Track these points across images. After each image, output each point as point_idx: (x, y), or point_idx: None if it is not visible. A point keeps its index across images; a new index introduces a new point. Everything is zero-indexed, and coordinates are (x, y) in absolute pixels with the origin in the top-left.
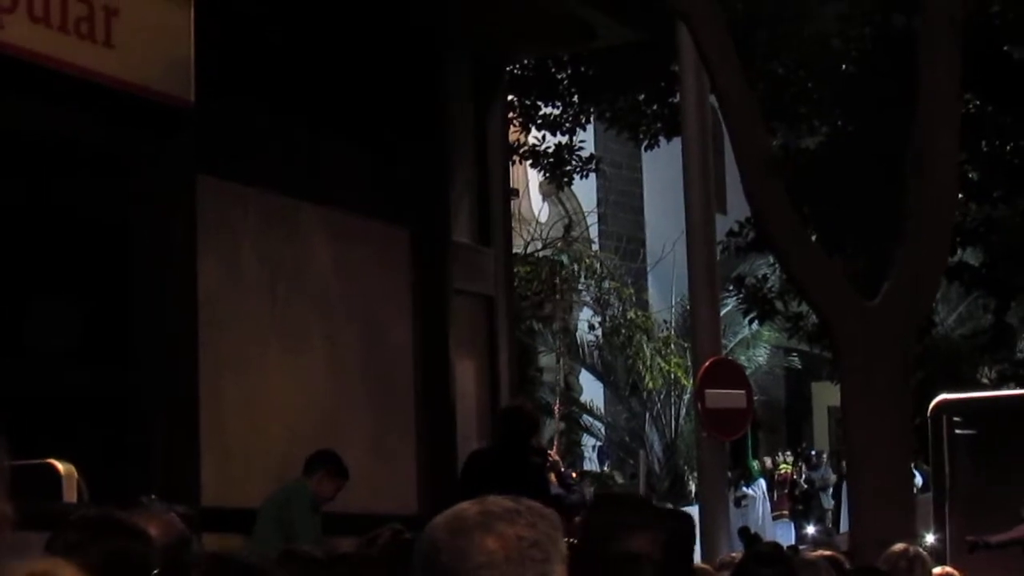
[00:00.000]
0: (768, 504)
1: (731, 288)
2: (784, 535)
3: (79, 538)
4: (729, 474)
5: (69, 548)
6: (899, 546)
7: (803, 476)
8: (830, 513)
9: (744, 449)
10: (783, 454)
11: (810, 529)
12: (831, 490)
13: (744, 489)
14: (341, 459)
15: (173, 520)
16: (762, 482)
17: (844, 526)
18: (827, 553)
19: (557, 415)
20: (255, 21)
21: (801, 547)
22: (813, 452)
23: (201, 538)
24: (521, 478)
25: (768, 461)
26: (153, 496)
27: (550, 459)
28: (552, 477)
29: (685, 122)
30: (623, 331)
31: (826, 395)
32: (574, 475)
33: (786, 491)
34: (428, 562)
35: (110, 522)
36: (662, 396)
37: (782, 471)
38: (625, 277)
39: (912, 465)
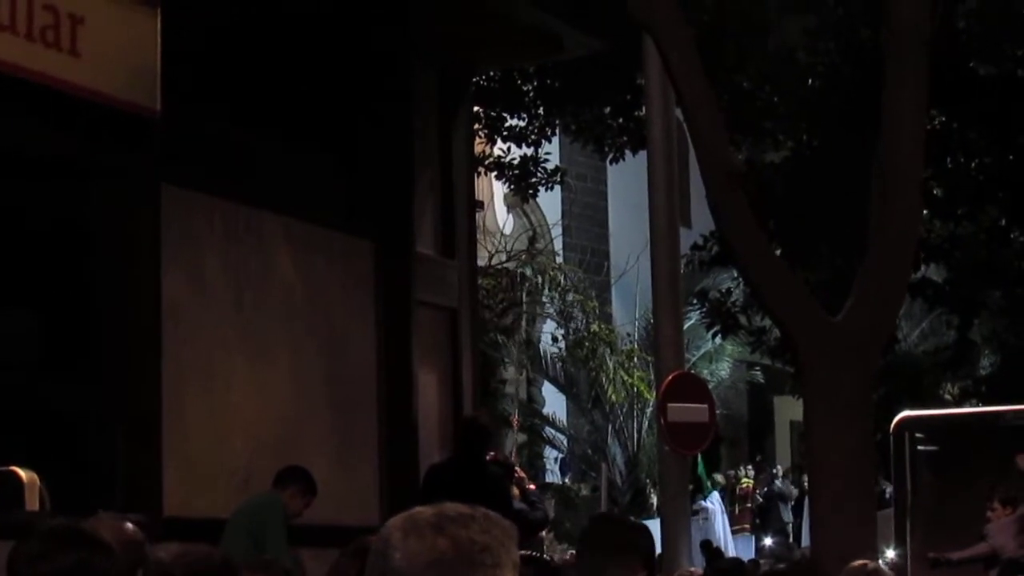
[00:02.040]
0: (726, 518)
1: (695, 302)
2: (744, 550)
3: (43, 548)
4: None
5: (33, 559)
6: (858, 562)
7: (763, 489)
8: (790, 526)
9: (694, 462)
10: (745, 468)
11: (767, 541)
12: (791, 504)
13: (701, 503)
14: (312, 476)
15: (125, 527)
16: (717, 495)
17: (805, 540)
18: (779, 567)
19: (515, 427)
20: (222, 31)
21: (760, 561)
22: (775, 469)
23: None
24: (480, 489)
25: (732, 475)
26: (108, 509)
27: (516, 475)
28: (516, 492)
29: (650, 135)
30: (586, 344)
31: (788, 409)
32: (531, 486)
33: (748, 505)
34: (381, 561)
35: (74, 534)
36: (625, 409)
37: (744, 485)
38: (589, 290)
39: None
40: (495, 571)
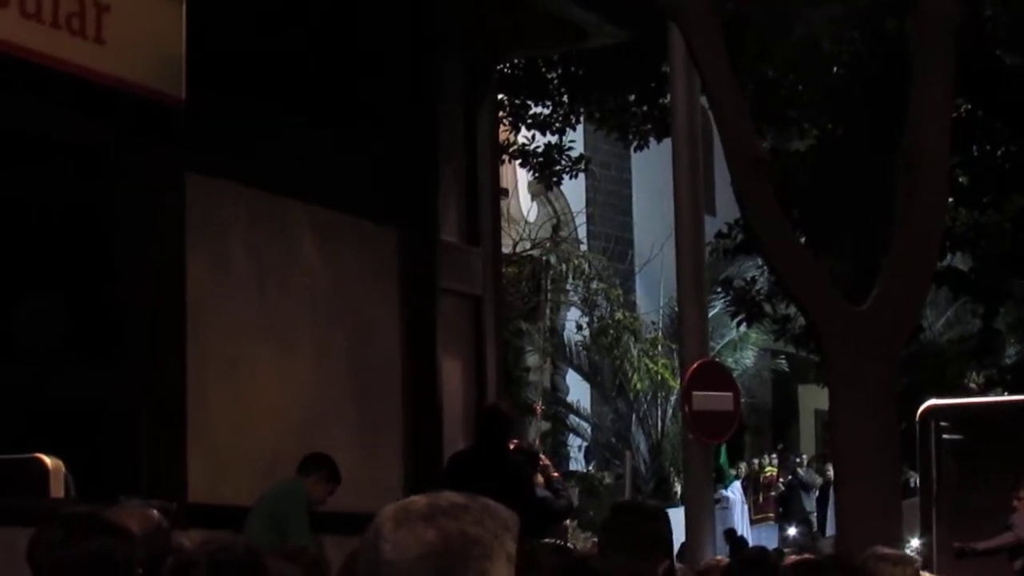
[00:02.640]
0: (746, 508)
1: (719, 290)
2: (768, 539)
3: (63, 536)
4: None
5: (53, 545)
6: (882, 550)
7: (786, 478)
8: (813, 516)
9: (716, 451)
10: (769, 457)
11: (791, 531)
12: (815, 493)
13: (722, 492)
14: (336, 464)
15: (150, 514)
16: (738, 485)
17: (830, 529)
18: (810, 558)
19: (538, 415)
20: (247, 19)
21: (784, 550)
22: (799, 458)
23: (186, 532)
24: (501, 477)
25: (756, 463)
26: (132, 496)
27: (541, 462)
28: (540, 480)
29: (675, 123)
30: (610, 332)
31: (813, 398)
32: (555, 474)
33: (772, 493)
34: (371, 551)
35: (95, 521)
36: (648, 397)
37: (767, 474)
38: (613, 278)
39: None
40: (486, 563)
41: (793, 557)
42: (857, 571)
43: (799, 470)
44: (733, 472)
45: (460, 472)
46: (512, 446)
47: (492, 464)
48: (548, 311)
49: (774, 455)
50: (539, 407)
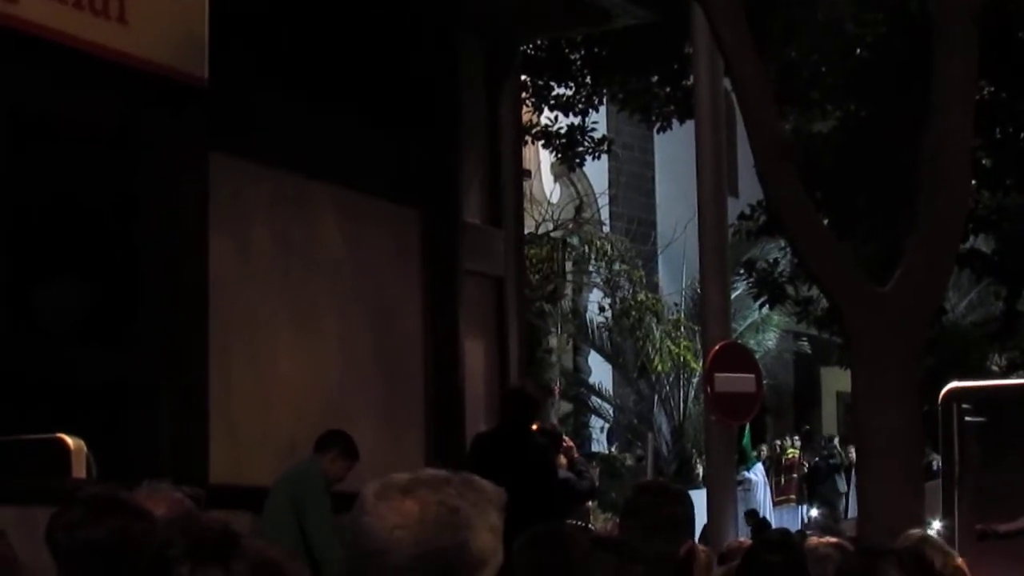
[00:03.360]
0: (769, 489)
1: (742, 272)
2: (790, 521)
3: (83, 516)
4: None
5: (72, 526)
6: (913, 531)
7: (813, 460)
8: (846, 496)
9: (739, 433)
10: (791, 439)
11: (813, 512)
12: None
13: (744, 474)
14: (353, 440)
15: (179, 498)
16: (760, 467)
17: (853, 511)
18: (834, 541)
19: (557, 395)
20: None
21: (807, 532)
22: (832, 439)
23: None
24: (524, 459)
25: (778, 445)
26: (158, 479)
27: (564, 443)
28: (563, 461)
29: (698, 105)
30: (633, 313)
31: (835, 380)
32: (577, 455)
33: (794, 476)
34: (354, 523)
35: (113, 502)
36: (671, 379)
37: (789, 456)
38: (635, 259)
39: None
40: (464, 532)
41: (815, 539)
42: (911, 557)
43: (835, 449)
44: (755, 454)
45: (484, 452)
46: (534, 427)
47: (516, 445)
48: (571, 292)
49: (796, 437)
50: (557, 388)
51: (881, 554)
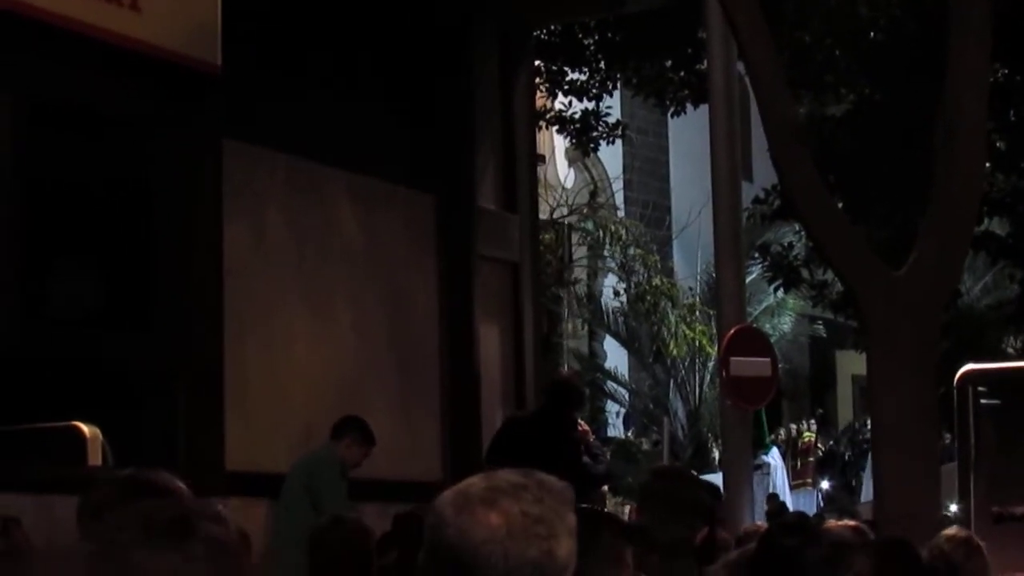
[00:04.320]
0: (786, 473)
1: (756, 256)
2: (806, 504)
3: (110, 497)
4: None
5: (100, 507)
6: (952, 530)
7: (828, 444)
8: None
9: (758, 417)
10: (807, 422)
11: (824, 484)
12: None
13: (763, 458)
14: (369, 425)
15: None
16: (776, 451)
17: (867, 495)
18: (852, 524)
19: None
20: None
21: (823, 515)
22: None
23: (225, 501)
24: (557, 450)
25: (793, 429)
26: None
27: (580, 428)
28: None
29: (712, 89)
30: (648, 298)
31: (850, 364)
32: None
33: (810, 459)
34: (434, 537)
35: (143, 482)
36: (686, 363)
37: (805, 440)
38: (650, 244)
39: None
40: (549, 542)
41: (833, 521)
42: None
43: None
44: (772, 438)
45: (516, 435)
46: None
47: (551, 432)
48: (585, 277)
49: (812, 421)
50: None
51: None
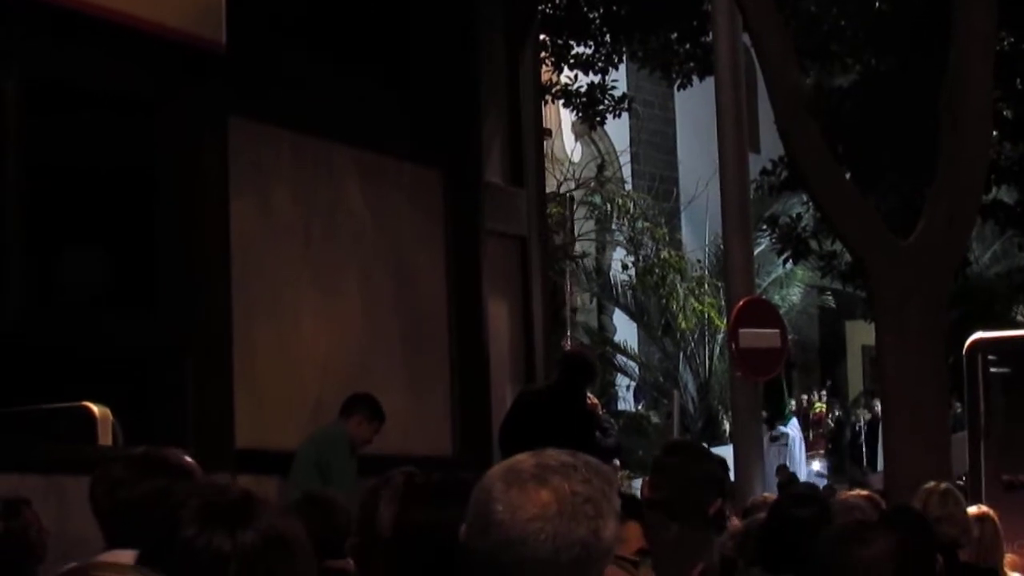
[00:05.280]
0: (803, 444)
1: (764, 227)
2: (818, 476)
3: (124, 475)
4: (764, 413)
5: (113, 485)
6: (930, 484)
7: (834, 414)
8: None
9: (779, 388)
10: (818, 393)
11: (815, 465)
12: (864, 428)
13: (781, 429)
14: (378, 402)
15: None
16: (795, 422)
17: (879, 465)
18: (864, 494)
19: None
20: None
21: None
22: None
23: (235, 478)
24: (569, 421)
25: (804, 400)
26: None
27: (590, 402)
28: None
29: (718, 61)
30: (656, 271)
31: (860, 334)
32: (601, 413)
33: (820, 430)
34: (482, 511)
35: (155, 459)
36: (695, 336)
37: (817, 410)
38: (658, 217)
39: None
40: (596, 522)
41: (846, 492)
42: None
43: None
44: (790, 408)
45: (528, 409)
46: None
47: (564, 409)
48: (594, 250)
49: (823, 392)
50: (566, 343)
51: None
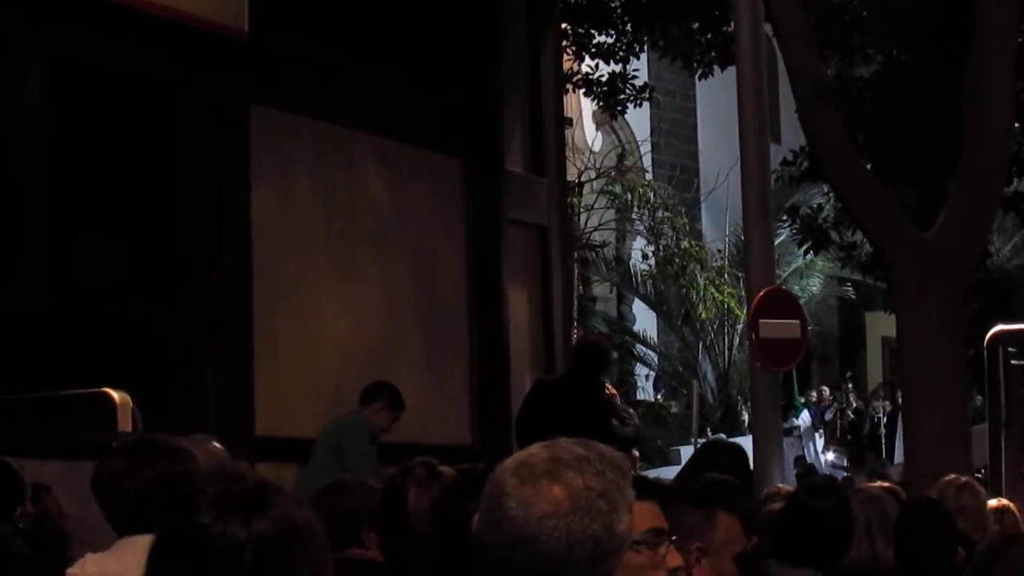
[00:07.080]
0: (818, 436)
1: (785, 218)
2: (837, 465)
3: (125, 466)
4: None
5: (116, 476)
6: (950, 476)
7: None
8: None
9: (789, 380)
10: (840, 385)
11: (830, 456)
12: (884, 420)
13: (793, 421)
14: (398, 390)
15: (214, 449)
16: (806, 414)
17: (899, 456)
18: (886, 485)
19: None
20: None
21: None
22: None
23: (254, 466)
24: (584, 410)
25: (825, 391)
26: (200, 430)
27: (608, 392)
28: None
29: (739, 51)
30: (676, 261)
31: (880, 325)
32: (618, 402)
33: (828, 420)
34: (495, 506)
35: (153, 446)
36: (715, 326)
37: (826, 400)
38: (678, 207)
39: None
40: (610, 516)
41: (866, 483)
42: None
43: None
44: (802, 400)
45: (545, 398)
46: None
47: (580, 396)
48: (614, 240)
49: (848, 384)
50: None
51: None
